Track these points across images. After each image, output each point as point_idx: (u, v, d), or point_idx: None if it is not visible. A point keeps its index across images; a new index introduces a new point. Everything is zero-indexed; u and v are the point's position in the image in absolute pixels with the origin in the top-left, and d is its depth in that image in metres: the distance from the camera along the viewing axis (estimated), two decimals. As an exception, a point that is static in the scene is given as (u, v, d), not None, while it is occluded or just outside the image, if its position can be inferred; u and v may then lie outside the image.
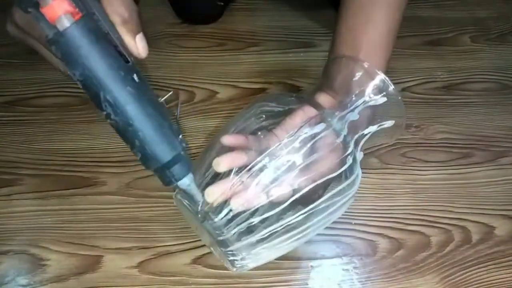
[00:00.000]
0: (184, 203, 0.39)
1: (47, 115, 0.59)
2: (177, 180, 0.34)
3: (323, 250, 0.49)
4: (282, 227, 0.38)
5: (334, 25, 0.47)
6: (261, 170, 0.37)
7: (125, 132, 0.32)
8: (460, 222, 0.51)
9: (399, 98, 0.41)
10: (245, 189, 0.37)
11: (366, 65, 0.42)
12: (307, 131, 0.38)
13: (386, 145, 0.56)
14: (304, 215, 0.38)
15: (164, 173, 0.34)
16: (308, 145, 0.38)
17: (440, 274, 0.47)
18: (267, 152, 0.37)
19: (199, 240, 0.49)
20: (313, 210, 0.38)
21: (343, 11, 0.47)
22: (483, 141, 0.58)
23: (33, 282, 0.46)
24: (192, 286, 0.47)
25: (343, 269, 0.48)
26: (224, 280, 0.47)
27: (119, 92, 0.30)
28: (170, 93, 0.39)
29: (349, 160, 0.39)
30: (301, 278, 0.47)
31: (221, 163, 0.38)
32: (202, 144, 0.57)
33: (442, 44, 0.69)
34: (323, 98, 0.44)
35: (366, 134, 0.42)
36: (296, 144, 0.38)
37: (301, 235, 0.39)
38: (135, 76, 0.32)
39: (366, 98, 0.41)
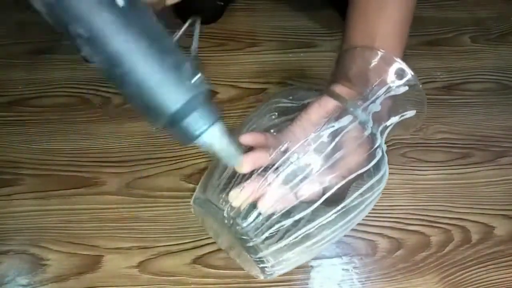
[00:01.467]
0: (206, 208, 0.37)
1: (47, 115, 0.59)
2: (198, 135, 0.26)
3: (323, 250, 0.49)
4: (314, 228, 0.35)
5: (346, 16, 0.46)
6: (288, 168, 0.35)
7: (114, 76, 0.24)
8: (460, 222, 0.51)
9: (420, 86, 0.39)
10: (273, 190, 0.35)
11: (382, 52, 0.40)
12: (334, 125, 0.36)
13: (386, 145, 0.56)
14: (337, 214, 0.35)
15: (179, 128, 0.26)
16: (337, 139, 0.36)
17: (440, 274, 0.47)
18: (294, 148, 0.35)
19: (199, 240, 0.49)
20: (345, 208, 0.36)
21: (354, 2, 0.45)
22: (482, 141, 0.58)
23: (33, 282, 0.46)
24: (192, 286, 0.47)
25: (343, 269, 0.48)
26: (224, 280, 0.47)
27: (93, 22, 0.23)
28: (189, 21, 0.30)
29: (379, 153, 0.37)
30: (301, 278, 0.47)
31: (245, 164, 0.35)
32: (202, 144, 0.57)
33: (442, 44, 0.69)
34: (341, 89, 0.41)
35: (388, 126, 0.40)
36: (324, 139, 0.36)
37: (332, 235, 0.37)
38: (119, 1, 0.23)
39: (388, 87, 0.39)
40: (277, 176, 0.35)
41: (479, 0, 0.75)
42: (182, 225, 0.50)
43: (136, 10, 0.24)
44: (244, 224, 0.35)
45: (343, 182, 0.35)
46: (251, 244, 0.35)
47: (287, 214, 0.36)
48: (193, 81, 0.26)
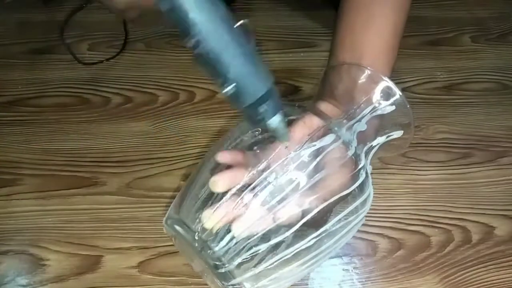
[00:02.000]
0: (178, 229, 0.35)
1: (47, 115, 0.59)
2: (271, 117, 0.31)
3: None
4: (292, 253, 0.33)
5: (333, 30, 0.45)
6: (265, 188, 0.33)
7: (218, 62, 0.28)
8: (460, 222, 0.51)
9: (408, 106, 0.38)
10: (249, 211, 0.33)
11: (370, 71, 0.38)
12: (316, 144, 0.34)
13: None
14: (316, 238, 0.33)
15: (255, 110, 0.30)
16: (318, 159, 0.34)
17: (440, 274, 0.47)
18: (272, 168, 0.33)
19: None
20: (326, 233, 0.34)
21: (343, 14, 0.44)
22: (483, 141, 0.58)
23: (33, 282, 0.46)
24: (192, 286, 0.47)
25: (343, 269, 0.48)
26: (224, 280, 0.47)
27: (208, 15, 0.27)
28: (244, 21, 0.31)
29: (362, 175, 0.36)
30: (301, 278, 0.47)
31: (219, 182, 0.33)
32: (202, 144, 0.57)
33: (442, 44, 0.69)
34: (325, 107, 0.40)
35: (374, 146, 0.39)
36: (305, 158, 0.34)
37: (312, 261, 0.35)
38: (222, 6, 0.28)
39: (374, 107, 0.37)
40: (254, 196, 0.33)
41: (479, 0, 0.75)
42: (182, 225, 0.50)
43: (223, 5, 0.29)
44: (216, 248, 0.33)
45: (324, 204, 0.33)
46: (223, 270, 0.33)
47: (264, 237, 0.33)
48: (267, 72, 0.31)
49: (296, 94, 0.62)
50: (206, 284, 0.47)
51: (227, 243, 0.32)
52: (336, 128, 0.37)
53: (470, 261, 0.48)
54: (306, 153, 0.34)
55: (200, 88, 0.63)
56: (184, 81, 0.64)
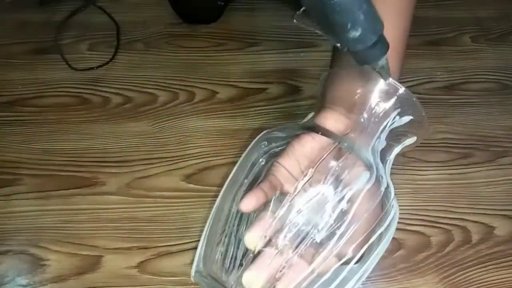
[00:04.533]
0: (212, 284, 0.34)
1: (46, 115, 0.59)
2: (380, 57, 0.33)
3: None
4: None
5: None
6: (306, 242, 0.32)
7: (352, 5, 0.31)
8: (460, 222, 0.51)
9: (423, 114, 0.36)
10: (296, 270, 0.31)
11: (387, 79, 0.35)
12: (352, 187, 0.33)
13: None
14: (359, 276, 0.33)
15: (370, 51, 0.33)
16: (355, 205, 0.32)
17: (440, 274, 0.47)
18: (314, 222, 0.32)
19: (199, 240, 0.49)
20: (365, 273, 0.33)
21: None
22: (483, 141, 0.58)
23: (32, 282, 0.46)
24: (192, 286, 0.47)
25: (343, 269, 0.48)
26: (224, 280, 0.47)
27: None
28: None
29: (393, 204, 0.35)
30: None
31: (254, 238, 0.32)
32: (202, 144, 0.57)
33: (442, 44, 0.69)
34: (332, 117, 0.37)
35: (390, 160, 0.38)
36: (344, 204, 0.33)
37: None
38: None
39: (390, 119, 0.36)
40: (296, 254, 0.32)
41: (479, 0, 0.75)
42: (182, 225, 0.50)
43: None
44: None
45: (365, 248, 0.33)
46: None
47: None
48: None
49: (296, 94, 0.62)
50: (206, 284, 0.47)
51: None
52: (365, 158, 0.35)
53: (470, 261, 0.48)
54: (344, 198, 0.33)
55: (200, 88, 0.63)
56: (184, 81, 0.64)
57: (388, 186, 0.36)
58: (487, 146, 0.57)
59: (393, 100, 0.36)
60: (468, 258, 0.48)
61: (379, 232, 0.34)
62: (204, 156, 0.56)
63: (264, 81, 0.64)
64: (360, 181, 0.34)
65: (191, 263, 0.47)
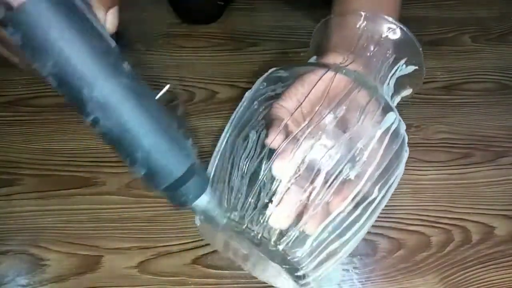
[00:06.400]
0: (226, 228, 0.31)
1: (47, 115, 0.59)
2: (195, 199, 0.27)
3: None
4: (353, 235, 0.32)
5: None
6: (337, 177, 0.30)
7: (122, 141, 0.24)
8: (460, 222, 0.51)
9: (420, 48, 0.36)
10: (326, 210, 0.30)
11: (389, 19, 0.35)
12: (385, 124, 0.32)
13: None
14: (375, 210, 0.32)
15: (177, 192, 0.26)
16: (383, 145, 0.32)
17: (440, 274, 0.47)
18: (349, 156, 0.31)
19: (199, 240, 0.49)
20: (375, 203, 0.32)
21: None
22: (483, 141, 0.58)
23: (33, 282, 0.46)
24: (192, 286, 0.47)
25: (343, 269, 0.48)
26: (224, 280, 0.47)
27: (110, 86, 0.22)
28: (168, 86, 0.30)
29: (406, 149, 0.35)
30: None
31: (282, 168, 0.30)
32: (202, 144, 0.57)
33: (442, 44, 0.69)
34: (336, 59, 0.35)
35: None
36: (375, 143, 0.32)
37: (362, 231, 0.34)
38: (125, 64, 0.23)
39: (399, 65, 0.35)
40: (329, 189, 0.30)
41: (479, 0, 0.75)
42: (182, 225, 0.50)
43: (137, 75, 0.25)
44: (299, 254, 0.31)
45: (387, 186, 0.32)
46: (301, 272, 0.31)
47: (333, 230, 0.31)
48: (188, 148, 0.26)
49: (296, 94, 0.62)
50: (206, 284, 0.47)
51: (309, 247, 0.30)
52: (385, 102, 0.34)
53: (470, 261, 0.48)
54: (374, 137, 0.32)
55: (200, 88, 0.63)
56: (183, 81, 0.64)
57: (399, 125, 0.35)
58: (487, 146, 0.57)
59: (396, 39, 0.36)
60: (468, 258, 0.48)
61: (396, 173, 0.34)
62: (204, 156, 0.55)
63: (264, 81, 0.64)
64: (388, 120, 0.33)
65: (191, 263, 0.48)
